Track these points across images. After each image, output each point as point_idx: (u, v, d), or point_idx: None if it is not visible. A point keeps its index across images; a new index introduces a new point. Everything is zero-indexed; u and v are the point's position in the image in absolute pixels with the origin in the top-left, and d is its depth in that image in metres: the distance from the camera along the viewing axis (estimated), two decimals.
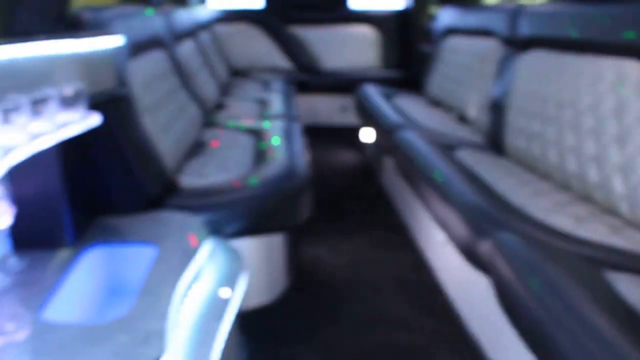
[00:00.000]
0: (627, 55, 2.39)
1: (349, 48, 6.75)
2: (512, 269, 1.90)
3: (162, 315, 1.63)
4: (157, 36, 3.33)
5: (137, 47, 2.83)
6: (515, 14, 3.53)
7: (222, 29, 6.63)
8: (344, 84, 6.20)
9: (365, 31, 6.75)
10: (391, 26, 6.69)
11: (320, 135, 6.14)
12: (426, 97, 5.11)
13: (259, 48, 6.72)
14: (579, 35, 2.77)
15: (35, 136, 1.65)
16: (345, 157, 5.56)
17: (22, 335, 1.52)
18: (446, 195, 2.58)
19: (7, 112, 1.60)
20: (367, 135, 5.02)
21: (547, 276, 1.78)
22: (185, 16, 4.63)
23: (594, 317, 1.55)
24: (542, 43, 3.16)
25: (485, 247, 2.13)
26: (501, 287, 1.94)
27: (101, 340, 1.50)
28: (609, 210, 2.37)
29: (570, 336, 1.52)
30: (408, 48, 6.48)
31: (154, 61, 3.12)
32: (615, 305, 1.64)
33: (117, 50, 2.29)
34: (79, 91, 1.89)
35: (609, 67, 2.48)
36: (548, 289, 1.72)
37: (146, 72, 2.88)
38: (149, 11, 3.33)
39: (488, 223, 2.25)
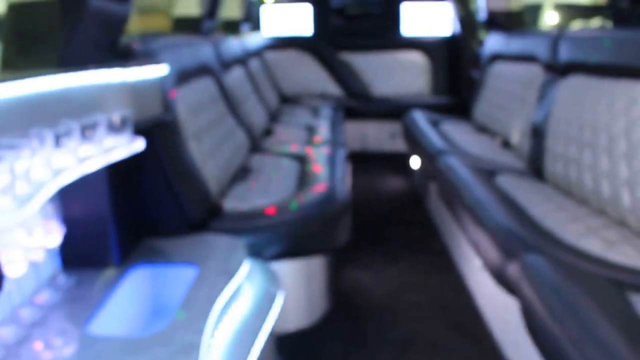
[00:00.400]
0: None
1: (399, 74, 6.80)
2: (536, 291, 1.92)
3: (199, 330, 1.70)
4: (205, 64, 3.47)
5: (185, 75, 2.96)
6: (556, 39, 3.52)
7: (272, 56, 6.80)
8: (393, 110, 6.24)
9: (415, 57, 6.80)
10: (441, 52, 6.73)
11: (370, 161, 6.21)
12: (473, 123, 5.12)
13: (309, 74, 6.84)
14: (615, 60, 2.76)
15: (83, 159, 1.76)
16: (393, 183, 5.59)
17: (69, 350, 1.61)
18: (480, 219, 2.60)
19: (59, 137, 1.71)
20: (415, 161, 5.04)
21: (568, 298, 1.79)
22: (235, 44, 4.79)
23: (610, 339, 1.57)
24: (580, 68, 3.15)
25: (513, 270, 2.15)
26: (526, 309, 1.96)
27: (140, 352, 1.58)
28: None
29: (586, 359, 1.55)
30: (457, 74, 6.50)
31: (201, 88, 3.25)
32: (634, 327, 1.65)
33: (163, 79, 2.40)
34: (126, 117, 2.00)
35: None
36: (568, 311, 1.74)
37: (193, 98, 3.00)
38: (198, 40, 3.48)
39: (517, 246, 2.26)
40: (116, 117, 1.96)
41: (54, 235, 1.99)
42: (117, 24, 2.26)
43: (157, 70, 2.31)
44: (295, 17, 6.93)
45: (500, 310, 2.66)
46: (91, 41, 2.12)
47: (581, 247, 2.21)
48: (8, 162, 1.42)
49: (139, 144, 2.05)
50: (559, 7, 13.11)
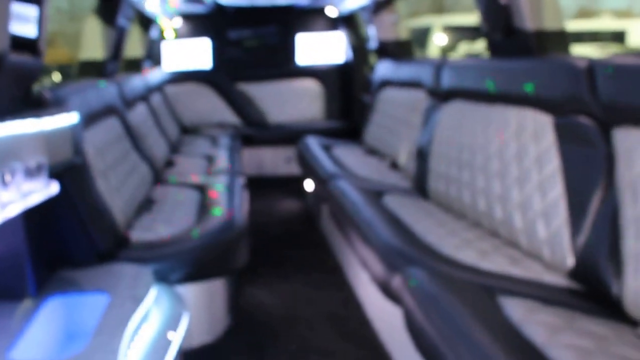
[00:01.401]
0: (526, 105, 2.73)
1: (294, 101, 7.19)
2: (416, 300, 2.19)
3: (114, 352, 1.94)
4: (110, 105, 3.69)
5: (92, 117, 3.18)
6: (439, 67, 3.87)
7: (173, 89, 7.02)
8: (288, 136, 6.61)
9: (309, 85, 7.22)
10: (333, 79, 7.17)
11: (267, 185, 6.53)
12: (363, 146, 5.47)
13: (208, 106, 7.11)
14: (490, 87, 3.08)
15: (5, 204, 1.98)
16: (289, 205, 5.91)
17: None
18: (367, 237, 2.90)
19: None
20: (308, 184, 5.37)
21: (444, 304, 2.03)
22: (137, 82, 5.00)
23: (480, 339, 1.79)
24: (459, 94, 3.48)
25: (396, 282, 2.43)
26: (408, 316, 2.23)
27: None
28: (511, 244, 2.69)
29: (459, 358, 1.80)
30: (349, 99, 6.92)
31: (107, 128, 3.47)
32: (501, 326, 1.89)
33: (73, 125, 2.63)
34: (41, 164, 2.23)
35: (513, 116, 2.78)
36: (444, 316, 1.99)
37: (100, 139, 3.22)
38: (102, 83, 3.69)
39: (400, 260, 2.53)
40: (32, 164, 2.19)
41: None
42: (31, 76, 2.48)
43: (68, 118, 2.54)
44: (194, 51, 7.17)
45: (386, 318, 2.94)
46: (7, 94, 2.32)
47: (458, 258, 2.51)
48: None
49: (54, 188, 2.28)
50: (447, 29, 14.02)
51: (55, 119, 2.44)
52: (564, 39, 2.89)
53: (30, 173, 2.19)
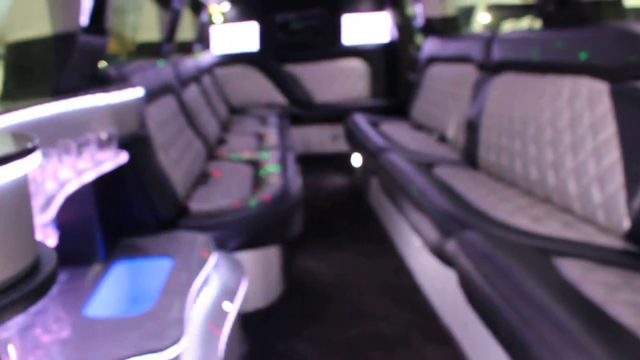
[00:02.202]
0: (581, 73, 2.74)
1: (340, 81, 7.29)
2: (471, 261, 2.24)
3: (178, 311, 2.07)
4: (167, 83, 3.85)
5: (152, 94, 3.33)
6: (489, 41, 3.93)
7: (222, 71, 7.20)
8: (335, 114, 6.72)
9: (355, 64, 7.30)
10: (379, 58, 7.23)
11: (315, 163, 6.65)
12: (410, 122, 5.55)
13: (256, 87, 7.27)
14: (541, 58, 3.12)
15: (80, 172, 2.13)
16: (337, 180, 6.02)
17: (65, 332, 1.94)
18: (421, 204, 2.96)
19: (60, 154, 2.08)
20: (357, 160, 5.46)
21: (499, 264, 2.08)
22: (190, 63, 5.16)
23: (538, 296, 1.82)
24: (510, 66, 3.52)
25: (451, 246, 2.50)
26: (463, 277, 2.28)
27: (134, 328, 1.93)
28: (564, 210, 2.72)
29: (518, 313, 1.80)
30: (395, 77, 6.98)
31: (165, 105, 3.62)
32: (557, 284, 1.92)
33: (138, 99, 2.78)
34: (111, 135, 2.38)
35: (566, 85, 2.81)
36: (500, 275, 2.02)
37: (160, 115, 3.38)
38: (161, 62, 3.85)
39: (454, 224, 2.59)
40: (104, 135, 2.34)
41: (50, 238, 2.36)
42: (97, 54, 2.63)
43: (133, 92, 2.68)
44: (242, 34, 7.32)
45: (438, 283, 3.01)
46: (78, 72, 2.48)
47: (511, 223, 2.55)
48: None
49: (123, 157, 2.43)
50: (491, 8, 13.81)
51: (121, 94, 2.59)
52: (620, 7, 2.87)
53: (102, 143, 2.34)
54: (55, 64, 2.29)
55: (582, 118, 2.65)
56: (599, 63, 2.61)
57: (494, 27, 13.71)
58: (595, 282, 1.93)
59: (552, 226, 2.51)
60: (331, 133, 6.95)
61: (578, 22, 2.95)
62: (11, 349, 1.79)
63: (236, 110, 7.09)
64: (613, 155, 2.44)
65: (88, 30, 2.42)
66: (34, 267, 1.20)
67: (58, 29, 2.24)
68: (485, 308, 2.05)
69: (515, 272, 2.01)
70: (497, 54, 3.73)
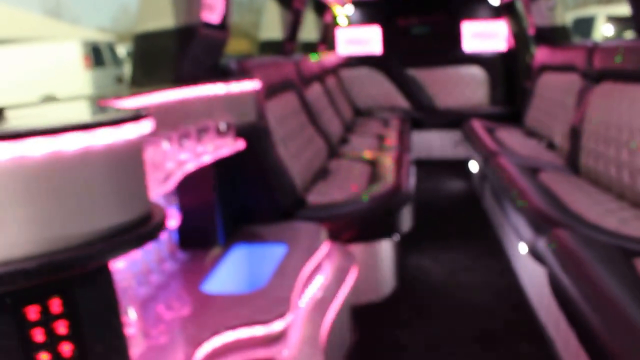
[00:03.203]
0: None
1: (460, 87, 7.24)
2: (559, 260, 2.26)
3: (288, 288, 2.14)
4: (288, 80, 3.97)
5: (273, 89, 3.46)
6: (591, 50, 3.92)
7: (347, 73, 7.33)
8: (456, 120, 6.64)
9: (474, 71, 7.22)
10: (497, 66, 7.13)
11: (435, 167, 6.63)
12: (524, 129, 5.51)
13: (380, 90, 7.33)
14: (636, 67, 3.13)
15: (199, 155, 2.25)
16: (455, 185, 5.96)
17: (186, 310, 2.06)
18: (520, 204, 2.98)
19: (181, 138, 2.21)
20: (473, 165, 5.41)
21: (583, 264, 2.12)
22: (313, 63, 5.29)
23: (616, 295, 1.86)
24: (610, 75, 3.52)
25: (541, 244, 2.51)
26: (551, 276, 2.29)
27: (246, 304, 2.03)
28: None
29: (599, 312, 1.84)
30: (512, 85, 6.88)
31: (286, 101, 3.74)
32: (635, 284, 1.94)
33: (257, 91, 2.89)
34: (229, 123, 2.49)
35: None
36: (581, 272, 2.07)
37: (280, 109, 3.50)
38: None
39: (546, 223, 2.63)
40: (222, 123, 2.46)
41: (173, 219, 2.51)
42: (218, 47, 2.78)
43: (252, 85, 2.80)
44: (366, 37, 7.42)
45: (536, 281, 3.00)
46: (200, 62, 2.63)
47: (600, 224, 2.56)
48: (151, 153, 1.93)
49: (240, 144, 2.54)
50: (611, 19, 13.03)
51: (240, 85, 2.70)
52: None
53: (221, 131, 2.45)
54: (177, 54, 2.44)
55: None
56: None
57: (614, 39, 12.98)
58: None
59: (638, 228, 2.53)
60: (452, 138, 6.87)
61: None
62: (133, 315, 1.92)
63: (361, 112, 7.18)
64: None
65: (209, 25, 2.56)
66: (146, 218, 1.33)
67: (180, 22, 2.39)
68: (569, 306, 2.08)
69: (597, 272, 2.03)
70: (598, 63, 3.75)
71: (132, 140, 1.29)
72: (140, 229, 1.29)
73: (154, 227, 1.31)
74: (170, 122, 2.23)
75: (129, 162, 1.30)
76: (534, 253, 2.65)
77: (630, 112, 3.06)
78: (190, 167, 2.16)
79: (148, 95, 2.10)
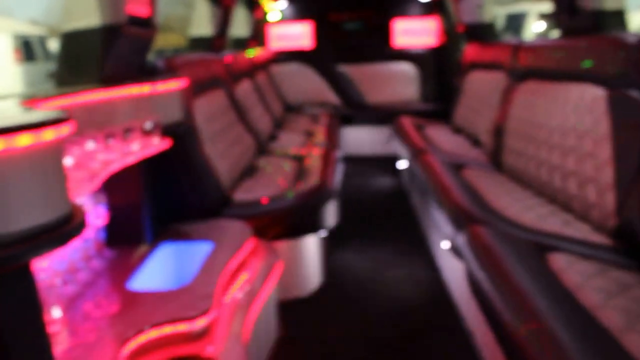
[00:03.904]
0: (584, 80, 2.90)
1: (391, 83, 7.39)
2: (475, 255, 2.38)
3: (213, 285, 2.20)
4: (217, 77, 4.00)
5: (201, 87, 3.49)
6: (517, 48, 4.07)
7: (277, 68, 7.39)
8: (386, 116, 6.79)
9: (405, 68, 7.39)
10: (428, 62, 7.32)
11: (364, 163, 6.77)
12: (452, 125, 5.68)
13: (311, 85, 7.43)
14: (555, 66, 3.28)
15: (125, 155, 2.29)
16: (384, 182, 6.11)
17: (113, 307, 2.09)
18: (441, 200, 3.13)
19: (106, 138, 2.24)
20: (402, 162, 5.56)
21: (497, 257, 2.25)
22: (243, 59, 5.33)
23: (526, 288, 1.97)
24: (533, 74, 3.67)
25: (461, 239, 2.63)
26: (469, 270, 2.41)
27: (171, 300, 2.09)
28: (566, 209, 2.87)
29: (509, 304, 1.94)
30: (443, 82, 7.06)
31: (214, 99, 3.78)
32: (546, 278, 2.07)
33: (184, 90, 2.93)
34: (155, 122, 2.53)
35: (572, 91, 2.99)
36: (495, 267, 2.18)
37: (208, 108, 3.53)
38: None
39: (466, 219, 2.76)
40: (148, 122, 2.50)
41: (101, 218, 2.53)
42: (145, 46, 2.79)
43: (178, 84, 2.83)
44: (297, 32, 7.48)
45: (455, 276, 3.15)
46: (126, 61, 2.64)
47: (518, 220, 2.70)
48: (74, 154, 1.95)
49: (166, 144, 2.58)
50: (543, 16, 13.59)
51: (166, 85, 2.74)
52: (622, 17, 3.03)
53: (146, 130, 2.49)
54: (102, 53, 2.45)
55: (584, 122, 2.80)
56: (598, 71, 2.77)
57: (544, 36, 13.51)
58: (575, 272, 2.11)
59: (553, 223, 2.66)
60: (382, 135, 7.02)
61: (587, 31, 3.11)
62: (58, 313, 1.95)
63: (292, 108, 7.26)
64: (605, 157, 2.57)
65: (134, 22, 2.58)
66: (67, 219, 1.39)
67: (105, 21, 2.41)
68: (481, 298, 2.19)
69: (509, 266, 2.15)
70: (523, 61, 3.91)
71: (52, 143, 1.34)
72: (60, 230, 1.34)
73: (73, 228, 1.37)
74: (96, 122, 2.25)
75: (48, 164, 1.35)
76: (454, 249, 2.78)
77: (549, 111, 3.20)
78: (116, 167, 2.20)
79: (73, 95, 2.12)
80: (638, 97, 2.41)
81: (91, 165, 2.08)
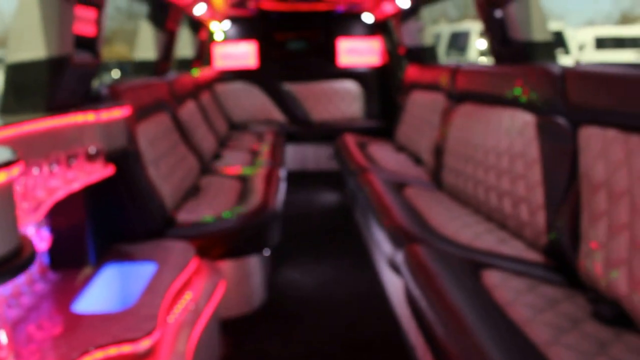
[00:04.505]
0: (516, 106, 3.11)
1: (335, 101, 7.58)
2: (412, 273, 2.49)
3: (156, 306, 2.29)
4: (161, 101, 4.09)
5: (144, 112, 3.57)
6: (454, 71, 4.28)
7: (222, 87, 7.49)
8: (330, 133, 6.96)
9: (349, 86, 7.60)
10: (372, 81, 7.56)
11: (309, 180, 6.91)
12: (395, 143, 5.87)
13: (256, 104, 7.54)
14: (488, 90, 3.50)
15: (70, 181, 2.37)
16: (329, 198, 6.25)
17: (57, 329, 2.14)
18: (380, 219, 3.24)
19: (51, 165, 2.32)
20: (346, 179, 5.70)
21: (432, 275, 2.37)
22: (187, 80, 5.42)
23: (459, 304, 2.07)
24: (469, 96, 3.88)
25: (399, 257, 2.74)
26: (406, 287, 2.53)
27: (116, 322, 2.16)
28: (502, 227, 3.03)
29: (443, 320, 2.05)
30: (387, 101, 7.30)
31: (158, 122, 3.86)
32: (479, 294, 2.18)
33: (127, 117, 3.01)
34: (99, 149, 2.62)
35: (505, 116, 3.20)
36: (431, 284, 2.29)
37: (152, 131, 3.61)
38: (153, 80, 4.10)
39: (404, 238, 2.87)
40: (92, 149, 2.58)
41: (43, 241, 2.59)
42: (90, 75, 2.87)
43: (121, 111, 2.92)
44: (242, 52, 7.60)
45: (396, 292, 3.25)
46: (71, 90, 2.72)
47: (455, 238, 2.85)
48: (20, 183, 2.03)
49: (110, 170, 2.66)
50: (484, 34, 14.06)
51: (111, 112, 2.83)
52: (550, 48, 3.28)
53: (90, 157, 2.57)
54: (49, 84, 2.53)
55: (516, 146, 2.98)
56: (528, 98, 2.97)
57: (487, 53, 14.08)
58: (507, 289, 2.24)
59: (489, 241, 2.81)
60: (326, 152, 7.19)
61: (518, 60, 3.34)
62: (4, 338, 2.01)
63: (237, 126, 7.35)
64: (536, 179, 2.76)
65: (80, 43, 2.67)
66: (16, 252, 1.47)
67: (52, 53, 2.49)
68: (418, 314, 2.30)
69: (444, 283, 2.27)
70: (460, 84, 4.10)
71: (3, 184, 1.43)
72: (11, 263, 1.43)
73: (25, 260, 1.46)
74: (41, 149, 2.33)
75: (1, 203, 1.43)
76: (394, 266, 2.87)
77: (485, 132, 3.38)
78: (61, 194, 2.27)
79: (19, 125, 2.19)
80: (564, 124, 2.60)
81: (36, 194, 2.15)
